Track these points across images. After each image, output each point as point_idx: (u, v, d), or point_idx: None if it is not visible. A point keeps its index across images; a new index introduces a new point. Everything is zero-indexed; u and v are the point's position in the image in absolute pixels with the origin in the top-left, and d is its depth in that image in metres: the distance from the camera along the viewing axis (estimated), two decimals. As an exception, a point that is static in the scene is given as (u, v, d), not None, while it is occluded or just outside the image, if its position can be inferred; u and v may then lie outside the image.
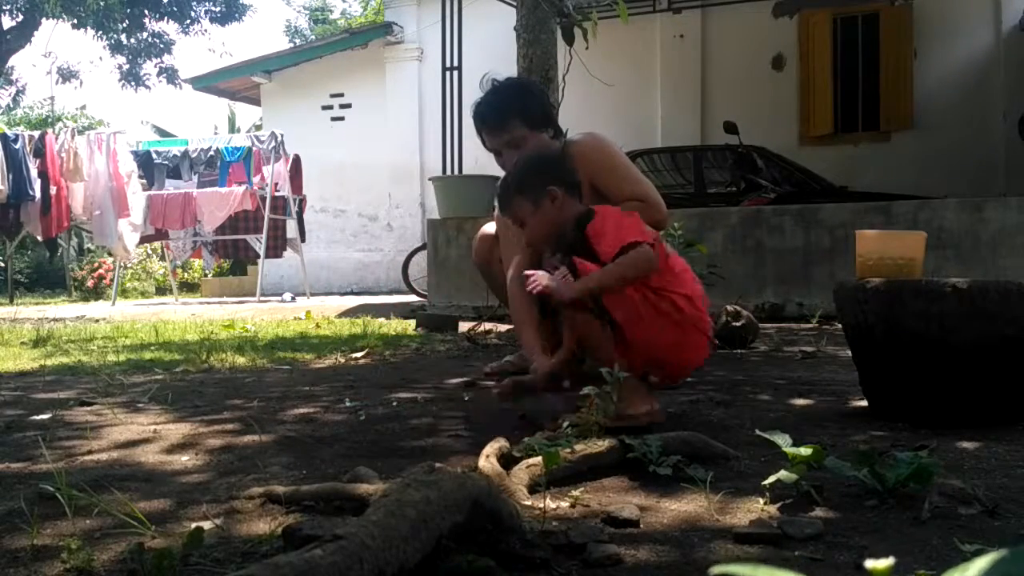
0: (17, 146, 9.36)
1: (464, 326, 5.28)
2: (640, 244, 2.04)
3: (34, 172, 9.49)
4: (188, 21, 17.26)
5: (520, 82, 2.87)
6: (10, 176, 9.27)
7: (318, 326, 6.15)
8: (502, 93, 2.75)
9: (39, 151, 9.55)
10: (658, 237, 2.21)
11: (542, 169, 2.27)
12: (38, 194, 9.49)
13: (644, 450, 1.66)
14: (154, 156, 10.62)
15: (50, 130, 11.17)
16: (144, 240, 10.79)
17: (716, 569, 0.46)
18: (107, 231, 9.74)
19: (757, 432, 1.71)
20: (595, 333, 2.11)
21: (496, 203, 2.44)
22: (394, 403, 2.61)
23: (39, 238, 10.26)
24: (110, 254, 12.07)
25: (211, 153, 10.47)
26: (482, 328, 4.80)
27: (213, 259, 12.22)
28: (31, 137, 9.69)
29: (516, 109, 2.70)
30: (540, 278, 2.02)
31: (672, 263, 2.18)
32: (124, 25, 16.41)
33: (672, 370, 2.20)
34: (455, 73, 7.61)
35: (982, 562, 0.45)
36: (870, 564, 0.47)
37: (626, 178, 2.78)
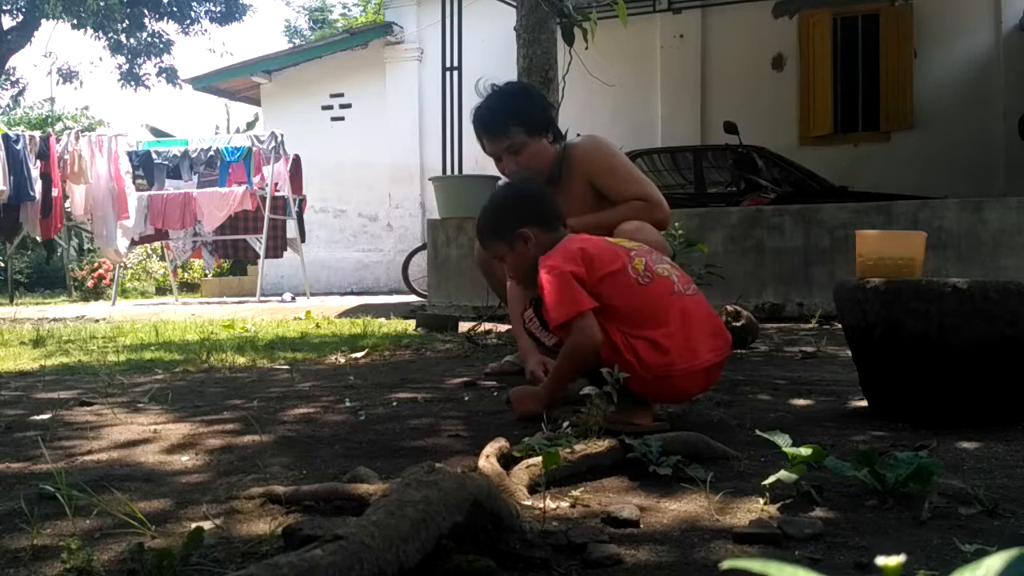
0: (19, 147, 9.35)
1: (464, 326, 5.28)
2: (574, 320, 1.98)
3: (35, 173, 9.50)
4: (188, 21, 17.27)
5: (519, 87, 2.86)
6: (11, 177, 9.27)
7: (318, 326, 6.15)
8: (501, 99, 2.75)
9: (43, 153, 9.55)
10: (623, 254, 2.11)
11: (513, 211, 2.27)
12: (38, 195, 9.49)
13: (644, 450, 1.66)
14: (154, 156, 10.62)
15: (51, 131, 11.17)
16: (144, 240, 10.79)
17: (726, 564, 0.46)
18: (107, 233, 9.75)
19: (757, 432, 1.71)
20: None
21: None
22: (394, 403, 2.61)
23: (38, 239, 10.26)
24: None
25: (211, 153, 10.46)
26: (482, 328, 4.80)
27: (213, 259, 12.23)
28: (32, 138, 9.69)
29: (515, 115, 2.70)
30: (519, 403, 2.11)
31: (640, 290, 2.05)
32: (124, 25, 16.41)
33: (660, 400, 2.13)
34: (455, 73, 7.61)
35: (993, 562, 0.45)
36: (881, 561, 0.47)
37: (627, 179, 2.79)
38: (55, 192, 9.61)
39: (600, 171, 2.77)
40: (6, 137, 9.39)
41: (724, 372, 3.15)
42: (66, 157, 9.63)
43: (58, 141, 9.82)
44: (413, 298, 9.23)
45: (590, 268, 2.03)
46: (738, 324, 4.08)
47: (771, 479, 1.48)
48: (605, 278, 2.03)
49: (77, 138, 9.83)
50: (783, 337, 4.51)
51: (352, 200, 12.86)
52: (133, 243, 10.57)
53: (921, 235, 2.37)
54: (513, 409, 2.20)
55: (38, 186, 9.49)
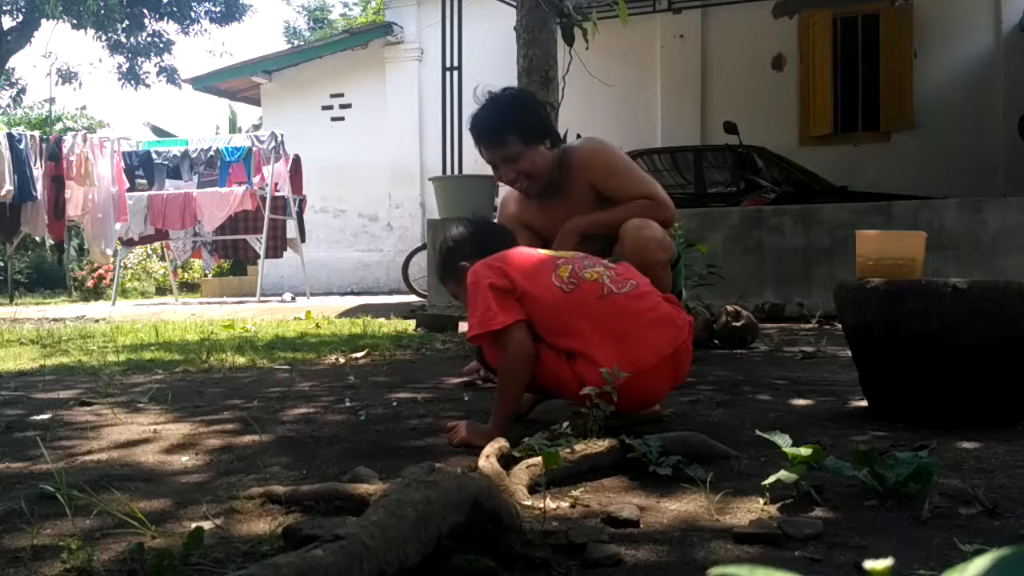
0: (22, 146, 9.35)
1: (464, 326, 5.28)
2: (499, 332, 1.98)
3: (37, 173, 9.49)
4: (188, 21, 17.25)
5: (514, 95, 2.82)
6: (15, 177, 9.27)
7: (318, 326, 6.15)
8: (496, 108, 2.73)
9: (55, 155, 9.53)
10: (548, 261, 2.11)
11: (452, 249, 2.37)
12: (40, 196, 9.49)
13: (644, 450, 1.66)
14: (154, 156, 10.62)
15: (55, 131, 11.16)
16: (144, 240, 10.79)
17: (715, 570, 0.46)
18: (108, 234, 9.76)
19: (757, 432, 1.71)
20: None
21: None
22: (394, 403, 2.61)
23: (41, 239, 10.26)
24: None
25: (211, 153, 10.46)
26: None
27: (213, 259, 12.22)
28: (33, 138, 9.69)
29: (511, 125, 2.68)
30: (459, 430, 2.00)
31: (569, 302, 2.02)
32: (124, 25, 16.40)
33: (632, 407, 2.03)
34: (455, 73, 7.61)
35: (981, 561, 0.45)
36: (869, 565, 0.47)
37: (631, 178, 2.79)
38: (68, 194, 9.61)
39: (602, 173, 2.77)
40: (10, 137, 9.39)
41: (724, 372, 3.17)
42: (71, 159, 9.63)
43: (65, 143, 9.82)
44: (413, 298, 9.23)
45: (512, 283, 2.03)
46: (738, 324, 4.09)
47: (771, 479, 1.48)
48: (525, 294, 2.02)
49: (85, 140, 9.84)
50: (783, 337, 4.50)
51: (352, 200, 12.85)
52: (123, 243, 10.55)
53: (921, 235, 2.37)
54: (449, 435, 2.04)
55: (39, 186, 9.48)
